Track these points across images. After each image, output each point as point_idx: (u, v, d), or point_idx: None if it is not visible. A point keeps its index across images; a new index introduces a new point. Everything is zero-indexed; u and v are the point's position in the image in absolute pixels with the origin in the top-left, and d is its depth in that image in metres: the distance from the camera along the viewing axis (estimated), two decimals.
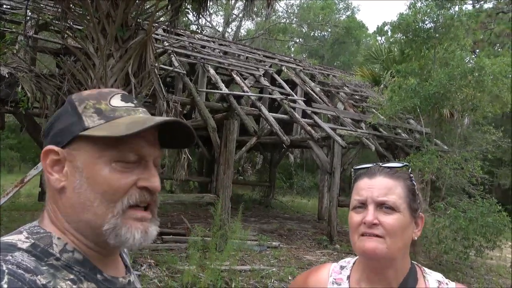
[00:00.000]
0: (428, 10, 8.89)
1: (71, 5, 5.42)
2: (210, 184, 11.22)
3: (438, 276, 1.11)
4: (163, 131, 0.78)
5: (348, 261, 1.18)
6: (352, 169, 1.20)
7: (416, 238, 1.08)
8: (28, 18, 6.51)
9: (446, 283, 1.09)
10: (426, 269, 1.13)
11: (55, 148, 0.72)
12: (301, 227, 10.19)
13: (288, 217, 11.72)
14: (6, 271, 0.60)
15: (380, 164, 1.13)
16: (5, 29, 6.24)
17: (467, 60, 8.97)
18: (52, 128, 0.75)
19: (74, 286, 0.67)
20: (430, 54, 8.95)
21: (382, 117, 9.09)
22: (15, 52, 5.30)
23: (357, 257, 1.15)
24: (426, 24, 8.99)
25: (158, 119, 0.73)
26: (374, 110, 10.50)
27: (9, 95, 4.91)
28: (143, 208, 0.75)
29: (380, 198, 1.02)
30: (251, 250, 7.02)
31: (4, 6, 8.20)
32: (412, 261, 1.12)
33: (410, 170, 1.12)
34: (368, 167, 1.13)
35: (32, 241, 0.69)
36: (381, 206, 1.02)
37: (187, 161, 5.69)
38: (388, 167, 1.10)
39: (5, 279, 0.58)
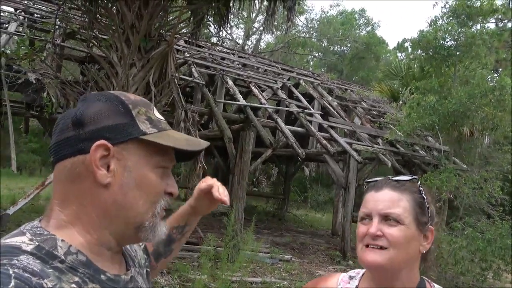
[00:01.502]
0: (449, 28, 8.86)
1: (98, 16, 5.63)
2: None
3: None
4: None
5: (358, 272, 1.19)
6: (364, 183, 1.23)
7: (424, 251, 1.09)
8: (57, 27, 6.77)
9: None
10: (436, 285, 1.13)
11: (108, 144, 0.73)
12: (314, 241, 10.09)
13: (302, 231, 11.62)
14: (13, 275, 0.60)
15: (390, 177, 1.15)
16: (35, 37, 6.52)
17: (488, 79, 8.85)
18: (95, 121, 0.74)
19: None
20: (450, 72, 8.87)
21: (399, 133, 9.01)
22: (43, 59, 5.52)
23: None
24: (447, 42, 8.94)
25: (204, 143, 0.85)
26: (391, 126, 10.42)
27: (35, 100, 5.13)
28: None
29: (384, 210, 1.05)
30: (263, 262, 6.99)
31: (35, 15, 8.56)
32: (422, 276, 1.13)
33: (419, 183, 1.13)
34: (377, 180, 1.15)
35: (37, 243, 0.68)
36: (386, 218, 1.05)
37: (202, 170, 5.76)
38: (396, 180, 1.12)
39: (12, 283, 0.59)
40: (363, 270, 1.19)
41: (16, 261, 0.63)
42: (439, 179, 6.95)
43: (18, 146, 19.69)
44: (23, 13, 8.14)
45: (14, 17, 7.75)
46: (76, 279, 0.68)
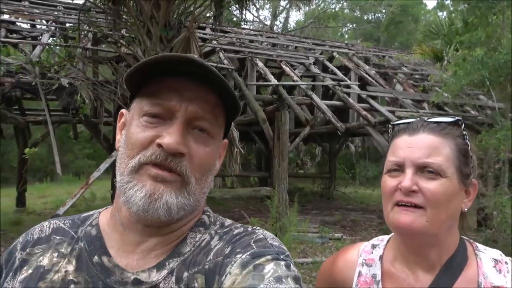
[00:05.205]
0: None
1: (121, 14, 5.66)
2: (270, 179, 11.20)
3: (495, 253, 0.90)
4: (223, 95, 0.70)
5: (382, 239, 1.01)
6: (389, 125, 1.03)
7: (466, 209, 0.89)
8: (85, 32, 6.93)
9: (506, 262, 0.88)
10: (479, 245, 0.93)
11: (123, 111, 0.74)
12: (366, 217, 9.77)
13: (352, 208, 11.32)
14: (44, 223, 0.77)
15: (426, 119, 0.92)
16: (63, 44, 6.73)
17: None
18: None
19: (54, 259, 0.69)
20: (498, 20, 8.06)
21: (446, 94, 8.37)
22: (74, 64, 5.68)
23: (392, 233, 0.98)
24: None
25: (167, 55, 0.65)
26: (437, 89, 9.74)
27: (69, 103, 5.32)
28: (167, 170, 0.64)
29: (421, 160, 0.84)
30: (312, 242, 6.85)
31: (67, 24, 8.85)
32: (462, 236, 0.93)
33: (463, 127, 0.91)
34: (409, 122, 0.93)
35: (100, 211, 0.77)
36: (423, 169, 0.84)
37: (240, 154, 5.68)
38: (435, 122, 0.90)
39: (38, 228, 0.76)
40: (388, 237, 1.00)
41: (57, 220, 0.77)
42: (496, 139, 6.36)
43: (73, 153, 20.91)
44: (54, 23, 8.43)
45: (46, 29, 8.05)
46: (66, 250, 0.70)
